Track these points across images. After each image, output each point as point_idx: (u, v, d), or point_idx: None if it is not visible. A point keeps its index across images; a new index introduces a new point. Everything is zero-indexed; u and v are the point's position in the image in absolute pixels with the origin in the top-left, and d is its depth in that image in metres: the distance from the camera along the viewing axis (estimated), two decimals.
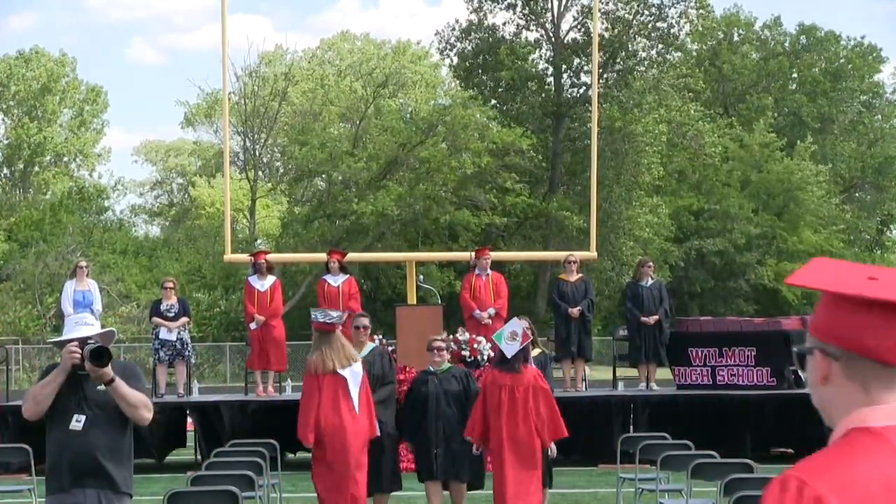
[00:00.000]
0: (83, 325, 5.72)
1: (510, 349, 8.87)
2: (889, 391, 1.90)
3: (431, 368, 9.59)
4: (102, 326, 6.09)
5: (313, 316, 8.95)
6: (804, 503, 1.80)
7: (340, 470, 8.72)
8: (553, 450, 9.11)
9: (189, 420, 15.14)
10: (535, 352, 9.99)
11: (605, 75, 35.51)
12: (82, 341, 5.53)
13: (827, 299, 1.95)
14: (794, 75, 50.41)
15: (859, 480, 1.83)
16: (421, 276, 19.20)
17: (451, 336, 14.16)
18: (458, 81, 40.85)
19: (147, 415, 5.64)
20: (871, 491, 1.81)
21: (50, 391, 5.55)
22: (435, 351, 9.59)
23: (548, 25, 37.80)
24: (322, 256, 17.03)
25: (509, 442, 8.84)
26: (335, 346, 8.84)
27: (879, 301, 1.86)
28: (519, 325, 8.99)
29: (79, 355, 5.47)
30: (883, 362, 1.89)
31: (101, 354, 5.40)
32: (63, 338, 5.78)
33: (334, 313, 9.09)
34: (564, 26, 37.62)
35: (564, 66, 37.50)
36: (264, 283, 14.76)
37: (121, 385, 5.50)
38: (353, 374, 8.82)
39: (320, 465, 8.82)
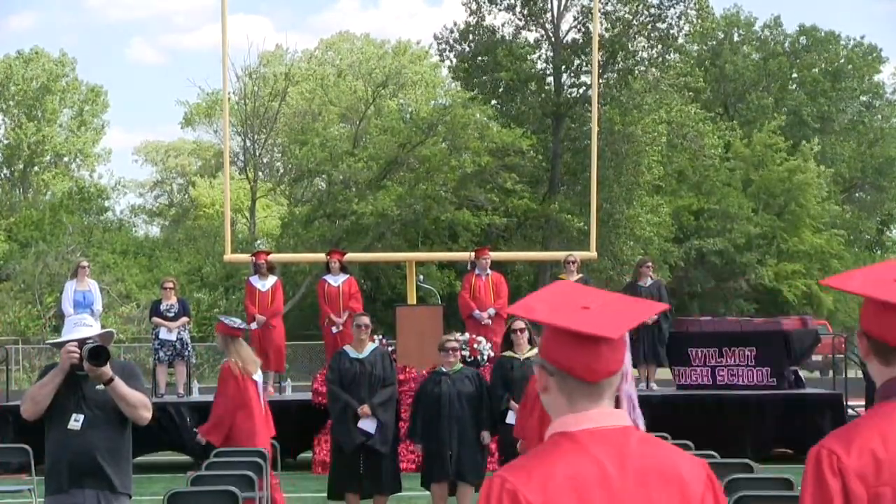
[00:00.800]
0: (82, 327, 5.72)
1: None
2: (589, 402, 2.31)
3: (444, 369, 9.46)
4: (102, 327, 6.10)
5: (228, 321, 9.29)
6: (504, 496, 2.22)
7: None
8: None
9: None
10: (533, 351, 9.99)
11: (604, 75, 35.48)
12: (81, 341, 5.53)
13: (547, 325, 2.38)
14: (795, 75, 50.42)
15: (550, 477, 2.23)
16: (421, 276, 19.23)
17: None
18: (458, 83, 40.82)
19: (146, 414, 5.67)
20: (558, 485, 2.22)
21: (48, 391, 5.55)
22: (450, 351, 9.47)
23: (547, 26, 37.77)
24: (322, 256, 17.03)
25: (533, 440, 8.97)
26: (248, 349, 9.36)
27: (577, 333, 2.28)
28: None
29: (77, 355, 5.47)
30: (583, 380, 2.30)
31: (99, 354, 5.41)
32: (62, 339, 5.78)
33: (237, 320, 9.51)
34: (564, 26, 37.61)
35: (564, 67, 37.48)
36: (265, 284, 14.76)
37: (120, 385, 5.50)
38: (262, 377, 9.39)
39: None
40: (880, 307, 2.51)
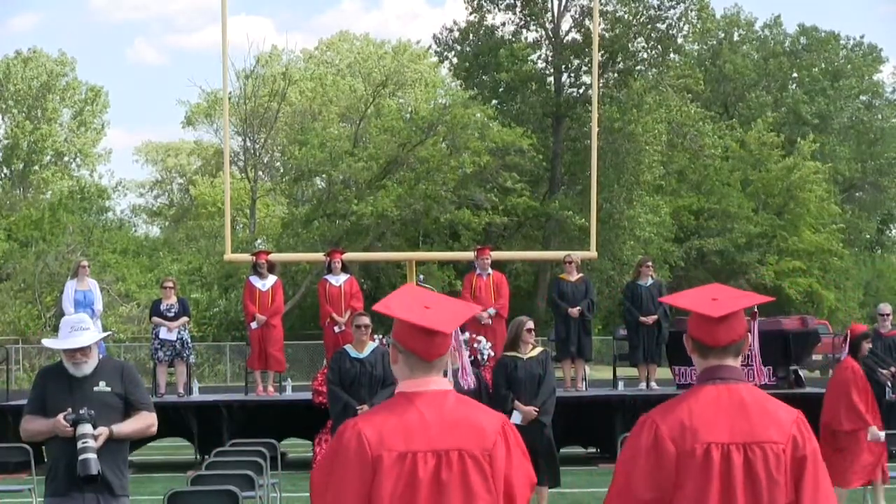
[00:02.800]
0: (79, 331, 5.58)
1: None
2: (424, 373, 3.27)
3: None
4: (103, 328, 6.06)
5: None
6: (353, 436, 3.18)
7: None
8: None
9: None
10: (537, 350, 9.98)
11: (604, 75, 35.47)
12: (73, 419, 5.47)
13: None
14: (794, 75, 50.41)
15: (386, 421, 3.19)
16: (421, 276, 19.21)
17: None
18: (458, 81, 40.81)
19: (153, 430, 5.79)
20: (391, 427, 3.18)
21: (41, 438, 5.65)
22: (451, 350, 9.44)
23: (547, 25, 37.76)
24: (322, 256, 16.99)
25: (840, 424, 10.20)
26: None
27: (420, 327, 3.22)
28: None
29: (71, 431, 5.46)
30: (421, 358, 3.26)
31: (93, 478, 5.41)
32: (57, 345, 5.60)
33: None
34: (564, 26, 37.61)
35: (564, 67, 37.46)
36: (265, 283, 14.73)
37: (121, 430, 5.57)
38: None
39: None
40: (700, 317, 3.43)
